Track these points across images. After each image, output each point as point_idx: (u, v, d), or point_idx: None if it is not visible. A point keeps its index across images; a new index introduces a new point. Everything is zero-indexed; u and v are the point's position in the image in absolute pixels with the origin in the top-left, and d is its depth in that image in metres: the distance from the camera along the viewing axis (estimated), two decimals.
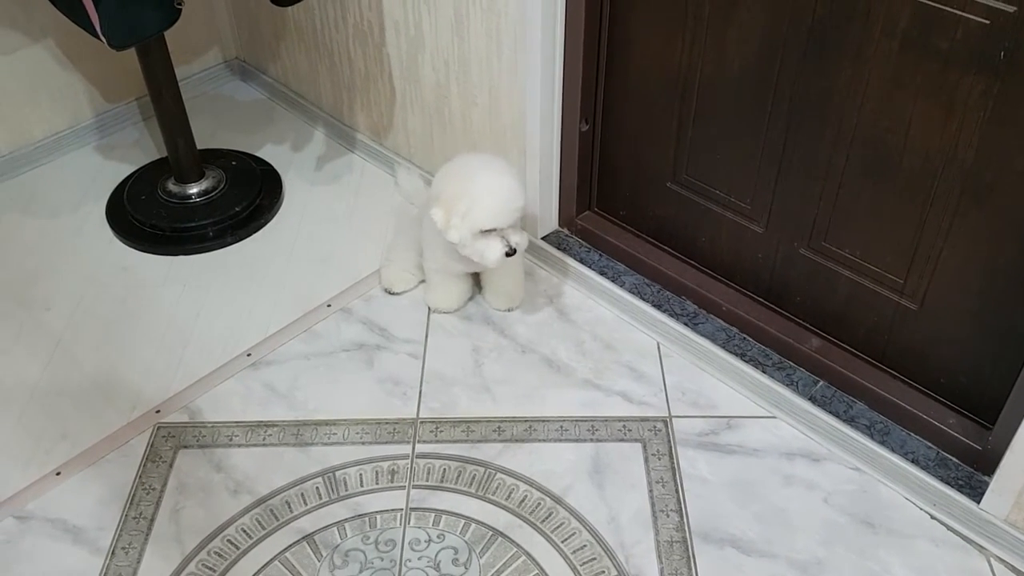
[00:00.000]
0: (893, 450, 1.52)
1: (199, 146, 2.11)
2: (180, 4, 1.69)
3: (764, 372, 1.65)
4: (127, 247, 2.01)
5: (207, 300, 1.88)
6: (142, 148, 2.29)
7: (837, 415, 1.58)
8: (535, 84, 1.71)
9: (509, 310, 1.84)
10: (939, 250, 1.42)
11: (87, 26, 1.68)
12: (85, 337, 1.80)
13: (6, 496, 1.51)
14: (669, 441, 1.60)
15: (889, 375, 1.60)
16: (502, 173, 1.62)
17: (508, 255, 1.62)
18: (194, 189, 2.09)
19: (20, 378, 1.71)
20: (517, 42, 1.69)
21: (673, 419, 1.64)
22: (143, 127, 2.37)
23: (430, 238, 1.75)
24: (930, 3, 1.25)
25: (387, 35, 1.97)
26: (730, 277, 1.77)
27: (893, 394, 1.56)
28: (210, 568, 1.41)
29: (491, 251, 1.61)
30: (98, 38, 1.68)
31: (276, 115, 2.43)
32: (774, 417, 1.64)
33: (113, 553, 1.43)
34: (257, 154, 2.27)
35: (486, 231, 1.60)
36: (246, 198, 2.10)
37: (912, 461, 1.51)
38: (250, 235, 2.05)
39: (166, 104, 1.98)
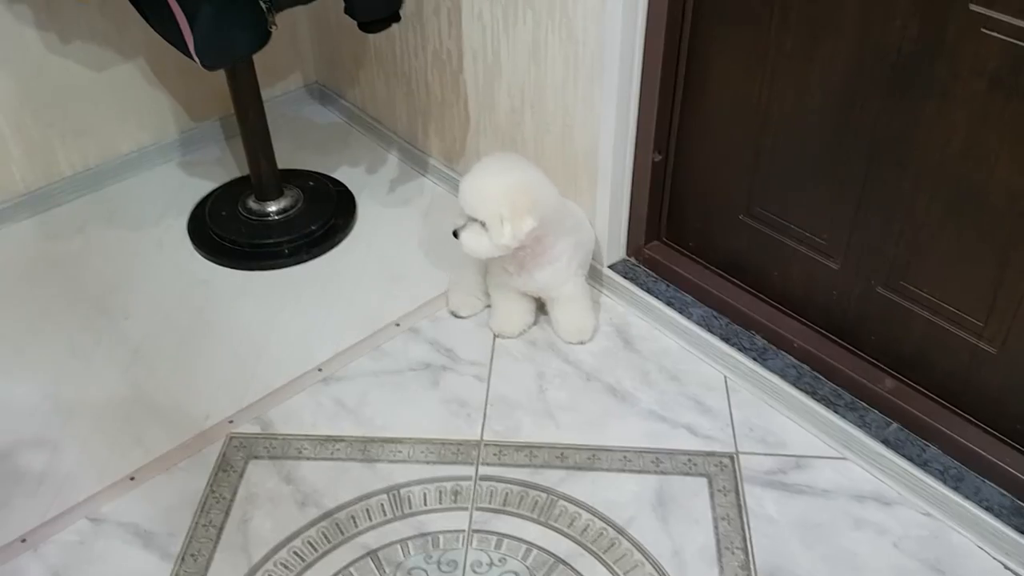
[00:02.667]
0: (967, 496, 1.48)
1: (279, 166, 2.16)
2: (272, 27, 1.74)
3: (835, 412, 1.62)
4: (206, 261, 2.07)
5: (281, 315, 1.92)
6: (223, 166, 2.36)
7: (910, 459, 1.54)
8: (610, 113, 1.72)
9: (581, 343, 1.85)
10: (1021, 293, 1.39)
11: (180, 45, 1.73)
12: (162, 346, 1.85)
13: (82, 498, 1.55)
14: (735, 477, 1.58)
15: (965, 420, 1.56)
16: (494, 174, 1.66)
17: (454, 236, 1.70)
18: (273, 207, 2.15)
19: (99, 384, 1.76)
20: (594, 71, 1.70)
21: (740, 455, 1.62)
22: (225, 145, 2.44)
23: None
24: (1021, 43, 1.24)
25: (465, 62, 2.01)
26: (802, 313, 1.75)
27: (969, 439, 1.53)
28: None
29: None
30: (190, 57, 1.73)
31: (352, 138, 2.48)
32: (844, 458, 1.60)
33: (182, 560, 1.46)
34: (333, 175, 2.32)
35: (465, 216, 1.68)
36: (321, 217, 2.14)
37: (986, 509, 1.47)
38: (324, 253, 2.09)
39: (251, 124, 2.03)
